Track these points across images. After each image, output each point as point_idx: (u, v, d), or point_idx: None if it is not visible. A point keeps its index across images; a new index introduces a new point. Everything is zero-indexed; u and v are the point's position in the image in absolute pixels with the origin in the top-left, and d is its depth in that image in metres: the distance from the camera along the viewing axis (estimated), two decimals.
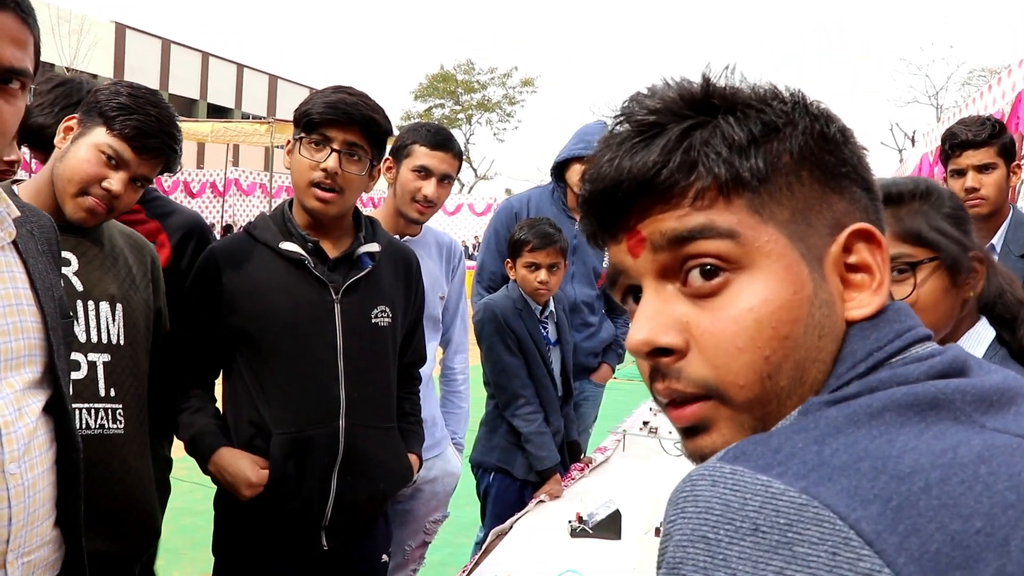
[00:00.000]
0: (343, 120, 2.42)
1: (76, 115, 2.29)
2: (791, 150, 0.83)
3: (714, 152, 0.82)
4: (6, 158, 3.22)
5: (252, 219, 2.70)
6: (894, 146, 44.65)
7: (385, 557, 2.76)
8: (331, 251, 2.53)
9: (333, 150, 2.42)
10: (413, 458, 2.73)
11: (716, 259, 0.82)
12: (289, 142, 2.54)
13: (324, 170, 2.42)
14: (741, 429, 0.82)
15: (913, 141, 37.78)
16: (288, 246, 2.48)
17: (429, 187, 3.27)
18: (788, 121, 0.84)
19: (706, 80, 0.86)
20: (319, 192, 2.44)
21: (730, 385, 0.81)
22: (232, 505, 2.51)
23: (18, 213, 1.72)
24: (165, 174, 2.41)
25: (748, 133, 0.82)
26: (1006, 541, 0.64)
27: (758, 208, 0.82)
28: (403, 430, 2.73)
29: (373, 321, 2.55)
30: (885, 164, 43.27)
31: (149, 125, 2.24)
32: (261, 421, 2.45)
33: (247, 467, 2.41)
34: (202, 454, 2.47)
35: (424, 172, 3.26)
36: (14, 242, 1.71)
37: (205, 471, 2.51)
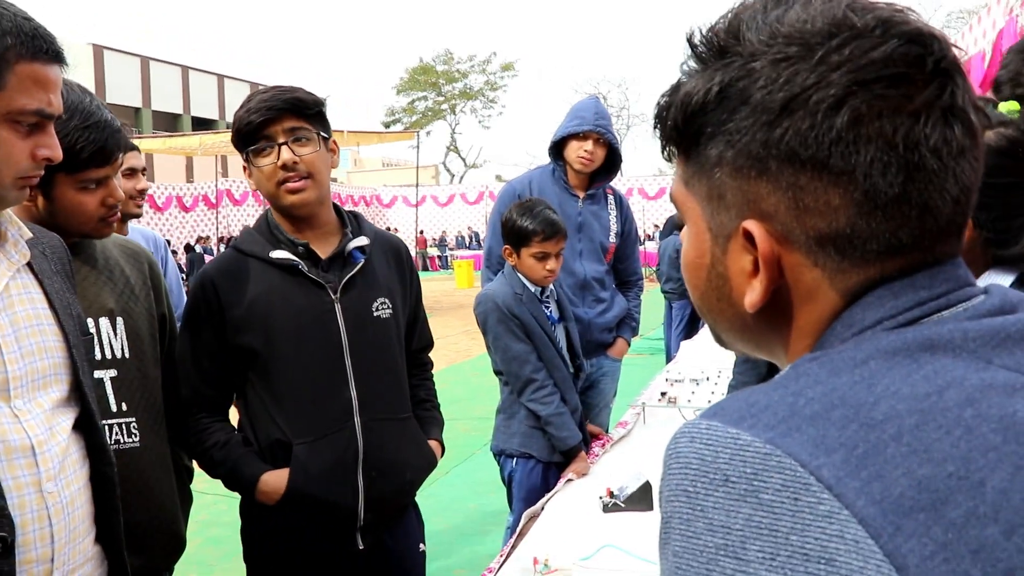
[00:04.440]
0: (269, 116, 2.41)
1: None
2: (710, 125, 0.83)
3: (672, 109, 0.87)
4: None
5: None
6: None
7: (422, 546, 2.75)
8: (322, 251, 2.52)
9: (279, 145, 2.41)
10: (434, 444, 2.73)
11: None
12: (245, 168, 2.52)
13: (283, 166, 2.40)
14: (739, 339, 0.93)
15: None
16: (279, 254, 2.46)
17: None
18: (716, 93, 0.82)
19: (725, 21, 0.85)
20: (289, 186, 2.42)
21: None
22: (261, 513, 2.51)
23: (30, 235, 1.72)
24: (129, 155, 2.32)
25: (690, 105, 0.84)
26: (982, 483, 0.64)
27: (684, 176, 0.89)
28: (420, 417, 2.73)
29: (375, 314, 2.54)
30: None
31: (93, 137, 2.13)
32: (280, 434, 2.45)
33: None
34: (245, 487, 2.47)
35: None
36: (28, 263, 1.70)
37: (252, 501, 2.50)
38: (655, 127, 0.90)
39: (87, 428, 1.74)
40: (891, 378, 0.70)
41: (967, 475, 0.64)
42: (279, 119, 2.41)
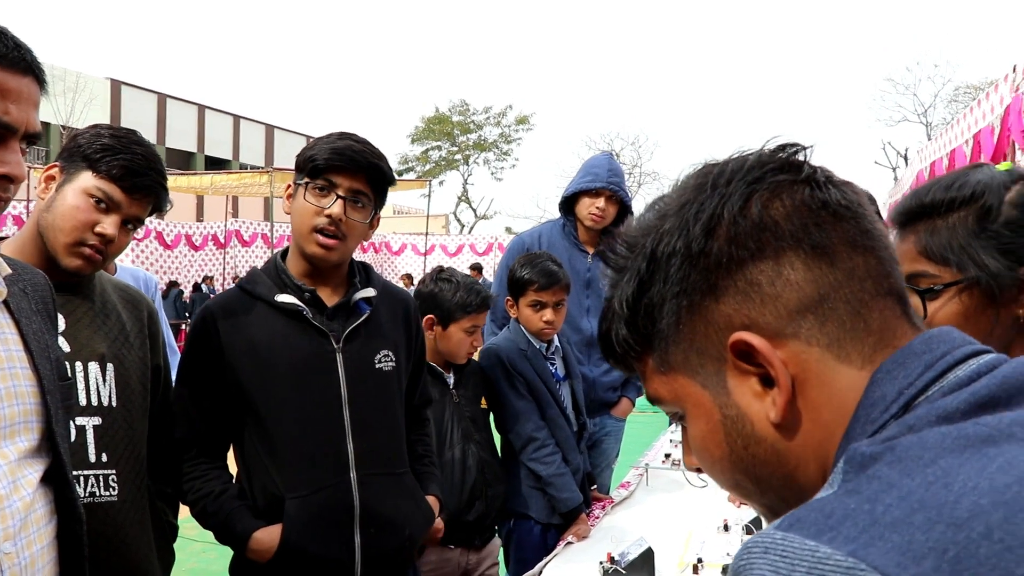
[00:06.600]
0: (349, 167, 2.37)
1: (57, 163, 2.17)
2: (654, 297, 0.87)
3: (615, 321, 0.91)
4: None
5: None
6: (888, 165, 44.62)
7: None
8: (328, 299, 2.47)
9: (338, 196, 2.37)
10: (432, 499, 2.67)
11: (673, 415, 0.93)
12: (289, 187, 2.48)
13: (328, 216, 2.36)
14: (773, 510, 0.89)
15: (906, 159, 37.67)
16: (284, 298, 2.41)
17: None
18: (645, 268, 0.87)
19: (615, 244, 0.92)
20: (321, 238, 2.37)
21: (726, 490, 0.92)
22: (253, 570, 2.42)
23: (9, 271, 1.62)
24: (154, 215, 2.30)
25: (628, 298, 0.89)
26: None
27: (659, 364, 0.89)
28: (418, 472, 2.67)
29: (377, 366, 2.48)
30: (880, 184, 43.23)
31: (136, 163, 2.14)
32: (274, 486, 2.38)
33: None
34: (236, 544, 2.40)
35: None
36: (5, 301, 1.60)
37: (243, 557, 2.42)
38: (613, 359, 0.94)
39: (57, 481, 1.63)
40: (966, 473, 0.65)
41: None
42: (353, 174, 2.37)
